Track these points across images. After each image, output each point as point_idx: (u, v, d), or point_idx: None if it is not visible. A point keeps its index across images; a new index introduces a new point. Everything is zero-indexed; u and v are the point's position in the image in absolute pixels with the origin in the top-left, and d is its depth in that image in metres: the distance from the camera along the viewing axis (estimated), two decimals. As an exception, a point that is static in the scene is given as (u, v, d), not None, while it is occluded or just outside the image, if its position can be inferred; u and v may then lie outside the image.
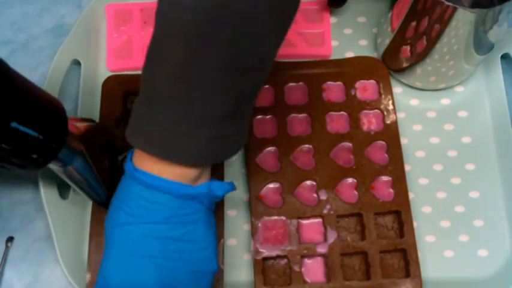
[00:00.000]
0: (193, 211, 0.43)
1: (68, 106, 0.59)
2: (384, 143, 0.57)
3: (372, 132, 0.58)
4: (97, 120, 0.58)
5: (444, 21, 0.49)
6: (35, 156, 0.43)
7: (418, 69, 0.58)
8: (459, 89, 0.61)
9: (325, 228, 0.54)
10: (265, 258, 0.53)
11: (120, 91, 0.58)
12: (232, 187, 0.46)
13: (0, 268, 0.54)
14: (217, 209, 0.53)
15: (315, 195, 0.55)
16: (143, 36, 0.62)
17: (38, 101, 0.43)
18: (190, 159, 0.41)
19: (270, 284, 0.53)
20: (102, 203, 0.52)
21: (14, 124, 0.40)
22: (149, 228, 0.41)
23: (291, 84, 0.60)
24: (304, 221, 0.55)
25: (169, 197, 0.42)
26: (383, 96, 0.59)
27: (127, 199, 0.42)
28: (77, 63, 0.61)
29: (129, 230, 0.42)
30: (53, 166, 0.47)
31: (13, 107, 0.40)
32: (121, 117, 0.58)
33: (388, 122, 0.58)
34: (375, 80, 0.60)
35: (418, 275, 0.52)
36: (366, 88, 0.60)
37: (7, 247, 0.55)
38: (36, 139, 0.42)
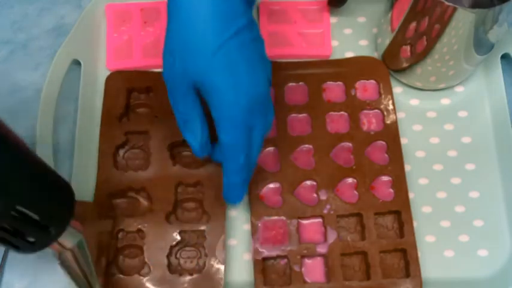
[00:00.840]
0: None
1: (68, 106, 0.60)
2: (383, 143, 0.57)
3: (372, 132, 0.58)
4: (98, 119, 0.58)
5: (444, 21, 0.49)
6: (31, 239, 0.41)
7: (418, 69, 0.58)
8: (459, 89, 0.61)
9: (325, 228, 0.54)
10: (265, 258, 0.53)
11: (123, 87, 0.59)
12: None
13: (0, 268, 0.54)
14: (218, 208, 0.54)
15: (315, 195, 0.56)
16: (143, 36, 0.62)
17: (49, 185, 0.42)
18: None
19: (270, 284, 0.53)
20: None
21: (19, 207, 0.39)
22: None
23: (291, 84, 0.60)
24: (304, 221, 0.55)
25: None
26: (383, 96, 0.59)
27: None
28: (77, 63, 0.60)
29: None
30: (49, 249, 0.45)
31: (22, 190, 0.39)
32: (124, 112, 0.58)
33: (388, 122, 0.58)
34: (375, 80, 0.60)
35: (418, 275, 0.52)
36: (366, 88, 0.60)
37: (7, 247, 0.55)
38: (37, 223, 0.40)
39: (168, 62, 0.44)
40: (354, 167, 0.56)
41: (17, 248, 0.42)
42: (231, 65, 0.43)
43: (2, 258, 0.55)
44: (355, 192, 0.56)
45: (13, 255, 0.55)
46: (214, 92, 0.43)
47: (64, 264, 0.46)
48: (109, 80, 0.59)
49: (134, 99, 0.59)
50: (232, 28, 0.42)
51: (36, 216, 0.40)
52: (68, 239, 0.44)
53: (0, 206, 0.37)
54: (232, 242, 0.56)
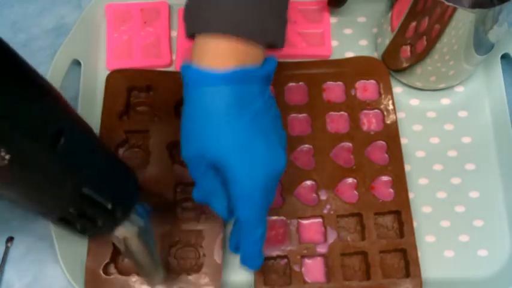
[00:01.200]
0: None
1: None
2: (384, 143, 0.57)
3: (372, 132, 0.58)
4: (98, 118, 0.58)
5: (444, 21, 0.49)
6: (99, 223, 0.42)
7: (418, 69, 0.58)
8: (459, 89, 0.61)
9: (325, 228, 0.54)
10: (265, 258, 0.53)
11: (123, 85, 0.59)
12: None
13: (0, 268, 0.55)
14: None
15: (315, 195, 0.55)
16: (143, 36, 0.63)
17: (114, 169, 0.43)
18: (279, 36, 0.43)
19: (270, 284, 0.53)
20: (156, 282, 0.50)
21: (85, 190, 0.39)
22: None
23: (291, 84, 0.60)
24: (304, 221, 0.55)
25: (257, 82, 0.43)
26: (383, 96, 0.59)
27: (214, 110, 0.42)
28: (77, 63, 0.61)
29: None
30: (115, 235, 0.45)
31: (90, 174, 0.40)
32: (124, 110, 0.58)
33: (388, 122, 0.58)
34: (375, 80, 0.60)
35: (418, 275, 0.52)
36: (366, 88, 0.60)
37: (7, 247, 0.55)
38: (103, 206, 0.41)
39: (185, 144, 0.44)
40: (354, 167, 0.56)
41: (83, 232, 0.42)
42: (246, 146, 0.42)
43: (2, 258, 0.55)
44: (355, 192, 0.56)
45: (13, 255, 0.55)
46: (230, 172, 0.43)
47: (127, 250, 0.46)
48: (109, 78, 0.59)
49: (134, 98, 0.59)
50: (247, 113, 0.42)
51: (102, 200, 0.41)
52: (133, 225, 0.45)
53: (68, 187, 0.38)
54: (232, 242, 0.56)
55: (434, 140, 0.59)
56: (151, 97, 0.59)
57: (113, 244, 0.52)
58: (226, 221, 0.51)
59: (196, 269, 0.53)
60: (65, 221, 0.41)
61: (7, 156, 0.33)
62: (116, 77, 0.59)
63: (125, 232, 0.44)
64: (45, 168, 0.36)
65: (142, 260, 0.46)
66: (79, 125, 0.40)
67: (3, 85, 0.33)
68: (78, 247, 0.54)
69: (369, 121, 0.59)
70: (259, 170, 0.43)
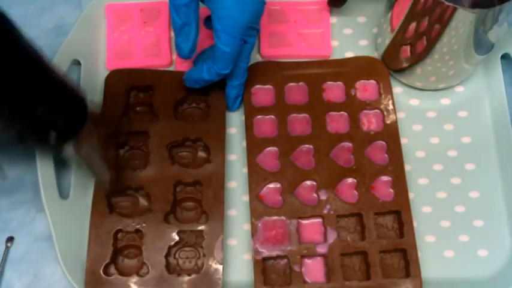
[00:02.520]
0: None
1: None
2: (383, 143, 0.57)
3: (372, 132, 0.58)
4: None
5: (444, 21, 0.49)
6: (51, 141, 0.47)
7: (418, 69, 0.58)
8: (459, 89, 0.61)
9: (325, 228, 0.54)
10: (265, 258, 0.53)
11: (123, 85, 0.59)
12: None
13: (0, 268, 0.55)
14: (216, 208, 0.54)
15: (315, 195, 0.55)
16: (143, 36, 0.63)
17: (65, 89, 0.48)
18: None
19: (270, 284, 0.53)
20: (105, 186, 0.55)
21: (39, 110, 0.45)
22: None
23: (291, 84, 0.60)
24: (304, 221, 0.55)
25: None
26: (383, 96, 0.59)
27: None
28: (77, 63, 0.61)
29: None
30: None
31: (42, 95, 0.45)
32: (123, 111, 0.58)
33: (388, 122, 0.58)
34: (375, 80, 0.60)
35: (418, 275, 0.52)
36: (366, 88, 0.60)
37: (7, 247, 0.55)
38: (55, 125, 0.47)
39: None
40: (354, 167, 0.56)
41: (41, 142, 0.49)
42: None
43: (2, 258, 0.55)
44: (355, 192, 0.56)
45: (13, 255, 0.56)
46: (221, 6, 0.50)
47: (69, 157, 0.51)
48: (109, 78, 0.59)
49: (134, 98, 0.59)
50: None
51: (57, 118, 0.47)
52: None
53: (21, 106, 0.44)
54: (232, 242, 0.56)
55: (434, 140, 0.59)
56: (151, 97, 0.59)
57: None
58: (185, 58, 0.55)
59: (197, 269, 0.53)
60: (21, 136, 0.48)
61: None
62: (115, 77, 0.59)
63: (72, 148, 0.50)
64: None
65: (91, 168, 0.52)
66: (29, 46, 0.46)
67: None
68: (78, 247, 0.54)
69: (369, 121, 0.59)
70: (247, 10, 0.50)
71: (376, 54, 0.62)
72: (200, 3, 0.52)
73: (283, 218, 0.54)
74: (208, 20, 0.58)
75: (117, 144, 0.57)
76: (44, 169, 0.54)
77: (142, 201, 0.55)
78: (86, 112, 0.49)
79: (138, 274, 0.52)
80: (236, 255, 0.55)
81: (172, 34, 0.63)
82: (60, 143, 0.49)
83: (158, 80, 0.59)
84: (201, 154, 0.57)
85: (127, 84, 0.59)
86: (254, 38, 0.54)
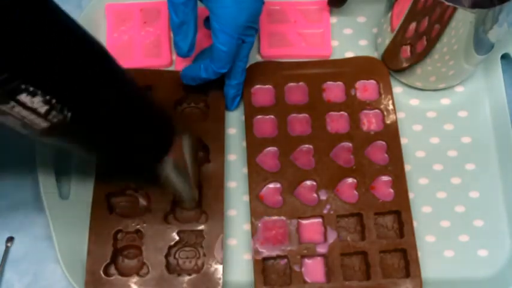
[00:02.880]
0: None
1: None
2: (383, 143, 0.57)
3: (372, 132, 0.58)
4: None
5: (444, 21, 0.49)
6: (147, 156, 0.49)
7: (418, 69, 0.58)
8: (459, 89, 0.61)
9: (325, 228, 0.54)
10: (265, 258, 0.53)
11: None
12: None
13: (0, 268, 0.55)
14: (216, 207, 0.54)
15: (315, 195, 0.55)
16: (143, 36, 0.63)
17: (156, 115, 0.49)
18: None
19: (270, 284, 0.53)
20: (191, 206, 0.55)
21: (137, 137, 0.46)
22: None
23: (291, 84, 0.60)
24: (304, 221, 0.55)
25: None
26: (383, 96, 0.59)
27: None
28: (77, 63, 0.60)
29: None
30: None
31: (139, 123, 0.46)
32: None
33: (388, 122, 0.58)
34: (375, 80, 0.60)
35: (418, 275, 0.52)
36: (366, 88, 0.60)
37: (7, 247, 0.55)
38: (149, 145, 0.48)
39: None
40: (354, 167, 0.56)
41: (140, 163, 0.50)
42: None
43: (2, 258, 0.55)
44: (355, 192, 0.56)
45: (13, 255, 0.56)
46: (219, 5, 0.50)
47: (167, 181, 0.51)
48: None
49: None
50: None
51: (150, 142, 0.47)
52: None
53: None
54: (232, 241, 0.56)
55: (434, 140, 0.59)
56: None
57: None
58: (183, 57, 0.55)
59: (197, 269, 0.53)
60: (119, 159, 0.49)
61: (69, 114, 0.36)
62: None
63: (166, 166, 0.49)
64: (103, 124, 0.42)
65: (181, 188, 0.51)
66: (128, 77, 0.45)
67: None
68: (78, 247, 0.54)
69: (369, 121, 0.59)
70: (245, 9, 0.50)
71: (376, 54, 0.62)
72: (199, 2, 0.52)
73: (283, 218, 0.54)
74: (207, 20, 0.58)
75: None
76: (44, 169, 0.54)
77: (142, 201, 0.55)
78: (173, 130, 0.50)
79: (138, 274, 0.52)
80: (236, 255, 0.55)
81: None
82: (151, 163, 0.49)
83: (157, 79, 0.59)
84: (201, 154, 0.57)
85: None
86: (252, 38, 0.53)
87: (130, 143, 0.46)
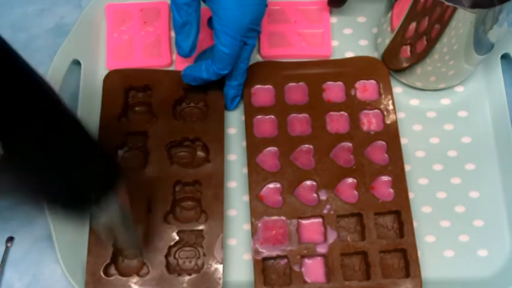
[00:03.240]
0: None
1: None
2: (383, 143, 0.57)
3: (372, 132, 0.58)
4: (98, 118, 0.58)
5: (444, 21, 0.49)
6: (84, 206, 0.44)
7: (418, 69, 0.58)
8: (459, 89, 0.61)
9: (325, 228, 0.54)
10: (265, 258, 0.53)
11: (121, 86, 0.59)
12: None
13: (0, 268, 0.55)
14: (216, 207, 0.54)
15: (315, 195, 0.55)
16: (143, 36, 0.63)
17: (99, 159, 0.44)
18: None
19: (270, 284, 0.53)
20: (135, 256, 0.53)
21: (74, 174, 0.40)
22: None
23: (291, 84, 0.60)
24: (304, 221, 0.55)
25: None
26: (383, 96, 0.59)
27: None
28: (77, 63, 0.61)
29: None
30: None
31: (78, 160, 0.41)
32: (122, 111, 0.58)
33: (388, 122, 0.58)
34: (375, 80, 0.60)
35: (418, 275, 0.52)
36: (366, 88, 0.60)
37: (7, 247, 0.55)
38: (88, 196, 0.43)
39: None
40: (354, 167, 0.56)
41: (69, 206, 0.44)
42: None
43: (2, 258, 0.55)
44: (355, 192, 0.56)
45: (13, 255, 0.55)
46: (222, 7, 0.50)
47: (108, 235, 0.49)
48: (107, 79, 0.59)
49: (132, 98, 0.59)
50: None
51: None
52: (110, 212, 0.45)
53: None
54: (232, 241, 0.56)
55: (434, 140, 0.59)
56: (150, 96, 0.59)
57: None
58: (184, 57, 0.55)
59: (197, 268, 0.53)
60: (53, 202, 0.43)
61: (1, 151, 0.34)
62: (113, 78, 0.59)
63: (106, 218, 0.45)
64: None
65: (123, 240, 0.49)
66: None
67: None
68: (78, 247, 0.54)
69: (369, 121, 0.59)
70: (248, 12, 0.50)
71: (376, 54, 0.62)
72: (202, 3, 0.52)
73: (283, 218, 0.54)
74: (211, 21, 0.58)
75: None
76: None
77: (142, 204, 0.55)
78: (116, 169, 0.45)
79: (138, 274, 0.52)
80: (236, 255, 0.55)
81: (173, 34, 0.63)
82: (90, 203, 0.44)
83: (156, 79, 0.59)
84: (200, 154, 0.57)
85: (125, 84, 0.59)
86: (254, 40, 0.53)
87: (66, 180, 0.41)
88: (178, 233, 0.53)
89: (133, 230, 0.49)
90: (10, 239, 0.56)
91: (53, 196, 0.42)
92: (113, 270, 0.53)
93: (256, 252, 0.53)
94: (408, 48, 0.56)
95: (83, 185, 0.42)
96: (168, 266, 0.53)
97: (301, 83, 0.60)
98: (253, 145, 0.57)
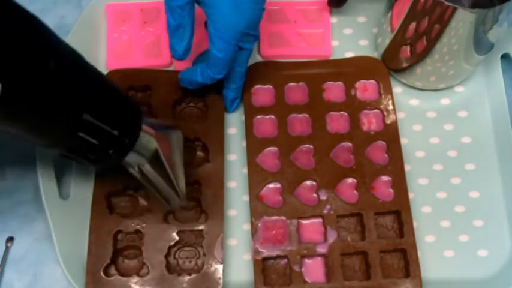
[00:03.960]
0: None
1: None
2: (383, 143, 0.57)
3: (372, 132, 0.58)
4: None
5: (444, 21, 0.49)
6: (110, 151, 0.44)
7: (418, 69, 0.58)
8: (459, 89, 0.61)
9: (325, 228, 0.54)
10: (265, 258, 0.53)
11: (121, 85, 0.58)
12: None
13: (0, 268, 0.55)
14: (216, 207, 0.54)
15: (315, 195, 0.55)
16: (143, 36, 0.63)
17: (112, 96, 0.45)
18: None
19: (270, 284, 0.53)
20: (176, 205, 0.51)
21: (86, 116, 0.41)
22: None
23: (291, 84, 0.60)
24: (304, 221, 0.55)
25: None
26: (383, 96, 0.59)
27: None
28: (77, 63, 0.60)
29: None
30: (129, 164, 0.47)
31: (86, 99, 0.41)
32: None
33: (388, 122, 0.58)
34: (375, 80, 0.60)
35: (418, 275, 0.52)
36: (366, 88, 0.60)
37: (7, 247, 0.55)
38: (109, 134, 0.43)
39: None
40: (354, 167, 0.56)
41: (97, 162, 0.45)
42: None
43: (2, 258, 0.55)
44: (355, 192, 0.56)
45: (13, 255, 0.55)
46: (216, 11, 0.49)
47: (145, 177, 0.47)
48: None
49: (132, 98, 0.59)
50: None
51: (106, 127, 0.43)
52: (143, 152, 0.46)
53: (67, 115, 0.40)
54: (232, 241, 0.56)
55: (434, 140, 0.59)
56: (149, 96, 0.59)
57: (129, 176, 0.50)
58: (178, 60, 0.54)
59: (197, 268, 0.53)
60: (75, 152, 0.43)
61: None
62: (113, 77, 0.59)
63: (137, 159, 0.46)
64: (40, 95, 0.38)
65: (160, 185, 0.48)
66: (68, 50, 0.44)
67: None
68: (78, 247, 0.54)
69: (369, 121, 0.59)
70: (243, 17, 0.49)
71: (376, 54, 0.62)
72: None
73: (283, 218, 0.54)
74: None
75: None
76: (44, 169, 0.54)
77: (142, 201, 0.55)
78: (140, 123, 0.46)
79: (138, 274, 0.52)
80: (236, 255, 0.55)
81: (172, 34, 0.63)
82: (119, 156, 0.45)
83: (156, 79, 0.59)
84: (200, 154, 0.57)
85: (125, 84, 0.59)
86: (251, 44, 0.52)
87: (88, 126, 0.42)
88: (178, 233, 0.53)
89: (172, 179, 0.48)
90: (10, 239, 0.56)
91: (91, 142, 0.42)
92: (113, 270, 0.53)
93: (256, 252, 0.53)
94: (408, 48, 0.56)
95: (116, 127, 0.43)
96: (168, 266, 0.53)
97: (301, 83, 0.60)
98: (253, 145, 0.57)
